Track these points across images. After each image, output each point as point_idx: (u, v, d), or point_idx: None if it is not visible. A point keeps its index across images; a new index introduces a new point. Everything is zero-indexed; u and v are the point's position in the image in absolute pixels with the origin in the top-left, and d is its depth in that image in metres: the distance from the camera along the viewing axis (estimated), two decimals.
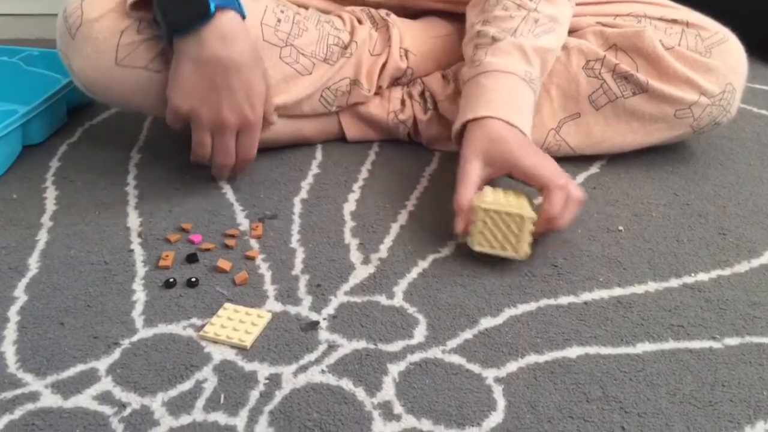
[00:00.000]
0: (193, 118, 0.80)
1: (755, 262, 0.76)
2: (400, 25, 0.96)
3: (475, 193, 0.75)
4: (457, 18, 1.00)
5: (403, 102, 0.96)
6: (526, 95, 0.81)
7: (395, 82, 0.97)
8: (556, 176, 0.75)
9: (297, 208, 0.84)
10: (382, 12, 0.97)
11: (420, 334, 0.66)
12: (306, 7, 0.96)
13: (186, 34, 0.77)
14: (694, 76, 0.87)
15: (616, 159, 0.95)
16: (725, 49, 0.89)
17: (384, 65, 0.94)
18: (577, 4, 0.93)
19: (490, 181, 0.78)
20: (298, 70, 0.90)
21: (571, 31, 0.93)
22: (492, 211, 0.72)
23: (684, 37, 0.88)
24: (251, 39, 0.81)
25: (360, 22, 0.96)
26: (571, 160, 0.94)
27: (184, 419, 0.56)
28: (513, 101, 0.80)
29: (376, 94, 0.96)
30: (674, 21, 0.90)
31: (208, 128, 0.80)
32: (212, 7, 0.76)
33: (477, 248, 0.73)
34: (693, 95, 0.87)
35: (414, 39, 0.96)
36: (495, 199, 0.73)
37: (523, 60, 0.82)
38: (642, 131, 0.91)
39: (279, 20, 0.89)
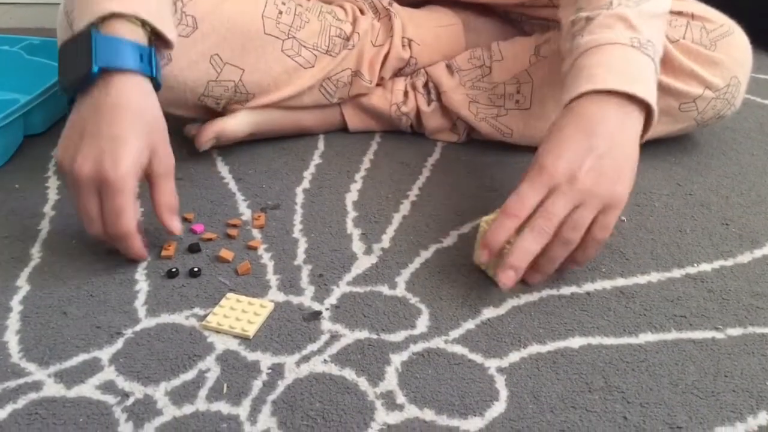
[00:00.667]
0: (58, 166, 0.70)
1: (758, 253, 0.76)
2: (402, 15, 0.96)
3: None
4: (461, 7, 1.00)
5: (405, 94, 0.96)
6: (640, 60, 0.68)
7: (398, 72, 0.97)
8: (518, 204, 0.64)
9: (299, 198, 0.84)
10: (385, 1, 0.97)
11: (422, 324, 0.66)
12: None
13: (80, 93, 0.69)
14: (698, 69, 0.86)
15: None
16: (730, 42, 0.88)
17: (386, 56, 0.94)
18: None
19: None
20: (300, 63, 0.89)
21: None
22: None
23: (689, 30, 0.87)
24: (154, 109, 0.70)
25: (362, 12, 0.96)
26: None
27: (187, 408, 0.56)
28: (622, 69, 0.67)
29: (378, 84, 0.96)
30: (679, 13, 0.89)
31: (66, 179, 0.69)
32: (95, 68, 0.66)
33: None
34: (698, 89, 0.87)
35: (417, 28, 0.95)
36: None
37: (626, 28, 0.69)
38: None
39: (280, 12, 0.88)
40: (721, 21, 0.89)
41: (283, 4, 0.89)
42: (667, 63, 0.86)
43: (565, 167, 0.64)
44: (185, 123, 0.92)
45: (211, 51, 0.84)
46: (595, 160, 0.65)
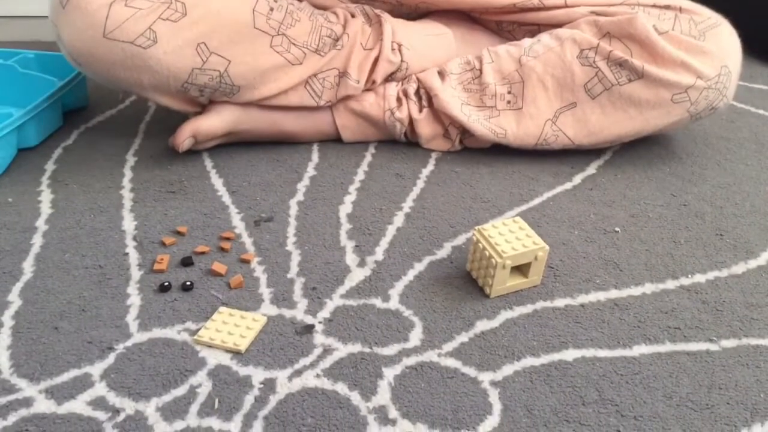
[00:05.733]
0: None
1: (752, 263, 0.76)
2: (393, 22, 0.96)
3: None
4: (453, 20, 1.00)
5: (399, 100, 0.95)
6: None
7: (390, 77, 0.96)
8: None
9: (293, 210, 0.84)
10: (377, 10, 0.97)
11: (416, 337, 0.65)
12: (300, 0, 0.95)
13: None
14: (689, 59, 0.86)
15: (613, 160, 0.95)
16: (719, 33, 0.89)
17: (377, 59, 0.94)
18: None
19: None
20: (288, 60, 0.89)
21: (565, 23, 0.93)
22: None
23: (677, 22, 0.88)
24: None
25: (353, 16, 0.96)
26: (568, 160, 0.94)
27: (178, 425, 0.56)
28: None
29: (369, 90, 0.95)
30: (667, 7, 0.90)
31: None
32: None
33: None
34: (689, 78, 0.87)
35: (407, 34, 0.96)
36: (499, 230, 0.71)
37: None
38: (639, 118, 0.90)
39: (272, 9, 0.88)
40: (708, 14, 0.90)
41: (275, 1, 0.89)
42: (656, 54, 0.87)
43: None
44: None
45: (198, 39, 0.84)
46: None
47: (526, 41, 0.94)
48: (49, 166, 0.92)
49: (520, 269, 0.71)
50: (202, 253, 0.76)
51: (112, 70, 0.84)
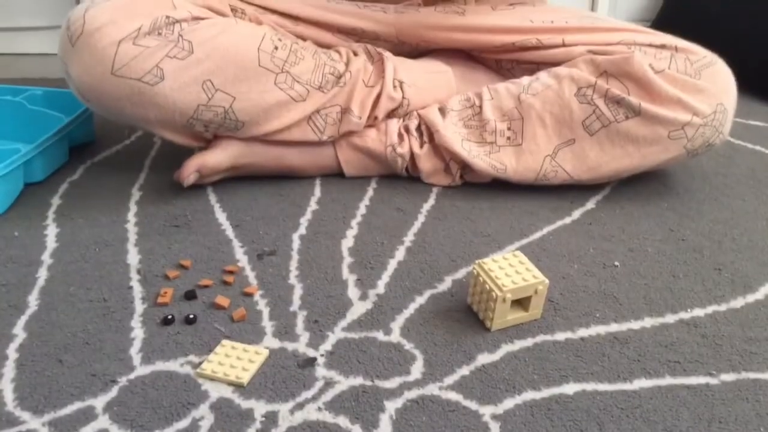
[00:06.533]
0: None
1: (751, 298, 0.77)
2: (394, 60, 0.98)
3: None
4: (453, 58, 1.02)
5: (400, 135, 0.97)
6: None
7: (392, 114, 0.98)
8: None
9: (295, 244, 0.85)
10: (379, 48, 0.99)
11: (417, 370, 0.66)
12: (304, 39, 0.98)
13: None
14: (685, 96, 0.88)
15: (611, 195, 0.96)
16: (714, 71, 0.91)
17: (378, 96, 0.95)
18: (568, 35, 0.95)
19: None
20: (292, 97, 0.91)
21: (563, 62, 0.95)
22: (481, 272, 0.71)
23: (673, 61, 0.90)
24: None
25: (356, 54, 0.98)
26: (567, 195, 0.95)
27: None
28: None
29: (371, 126, 0.97)
30: (663, 46, 0.92)
31: None
32: None
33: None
34: (685, 116, 0.88)
35: (409, 73, 0.98)
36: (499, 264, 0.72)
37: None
38: (637, 155, 0.92)
39: (276, 47, 0.91)
40: (703, 53, 0.92)
41: (279, 40, 0.92)
42: (653, 92, 0.88)
43: None
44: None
45: (204, 76, 0.86)
46: None
47: (525, 79, 0.96)
48: (55, 201, 0.93)
49: (521, 303, 0.72)
50: (206, 286, 0.76)
51: (120, 105, 0.86)
